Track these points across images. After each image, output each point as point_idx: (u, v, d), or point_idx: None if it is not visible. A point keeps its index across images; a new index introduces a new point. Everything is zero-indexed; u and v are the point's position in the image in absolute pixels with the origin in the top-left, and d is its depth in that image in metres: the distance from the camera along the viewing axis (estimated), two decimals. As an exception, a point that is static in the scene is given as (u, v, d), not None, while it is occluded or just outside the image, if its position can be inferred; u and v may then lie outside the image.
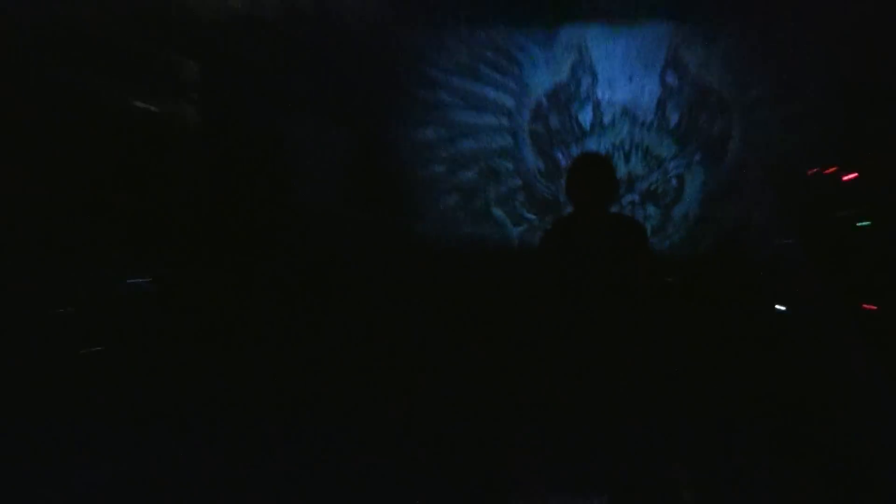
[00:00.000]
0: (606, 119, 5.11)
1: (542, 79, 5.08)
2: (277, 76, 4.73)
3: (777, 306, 5.08)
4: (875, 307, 4.82)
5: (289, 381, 4.69)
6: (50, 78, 4.73)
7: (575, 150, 5.08)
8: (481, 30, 4.98)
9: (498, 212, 5.14)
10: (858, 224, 5.04)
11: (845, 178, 4.94)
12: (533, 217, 5.13)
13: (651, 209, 5.19)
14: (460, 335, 4.90)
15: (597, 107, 5.09)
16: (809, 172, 4.93)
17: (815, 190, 4.97)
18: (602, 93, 5.07)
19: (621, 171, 5.13)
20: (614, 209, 4.94)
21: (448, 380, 4.81)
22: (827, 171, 4.91)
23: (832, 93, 4.79)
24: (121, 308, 4.93)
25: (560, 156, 5.09)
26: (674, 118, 5.12)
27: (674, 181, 5.18)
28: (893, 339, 4.46)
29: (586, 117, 5.09)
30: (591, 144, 5.11)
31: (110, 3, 4.74)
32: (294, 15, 4.74)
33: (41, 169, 4.79)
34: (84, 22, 4.82)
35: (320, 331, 4.76)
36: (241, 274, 4.76)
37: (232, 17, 4.91)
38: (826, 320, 4.82)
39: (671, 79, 5.04)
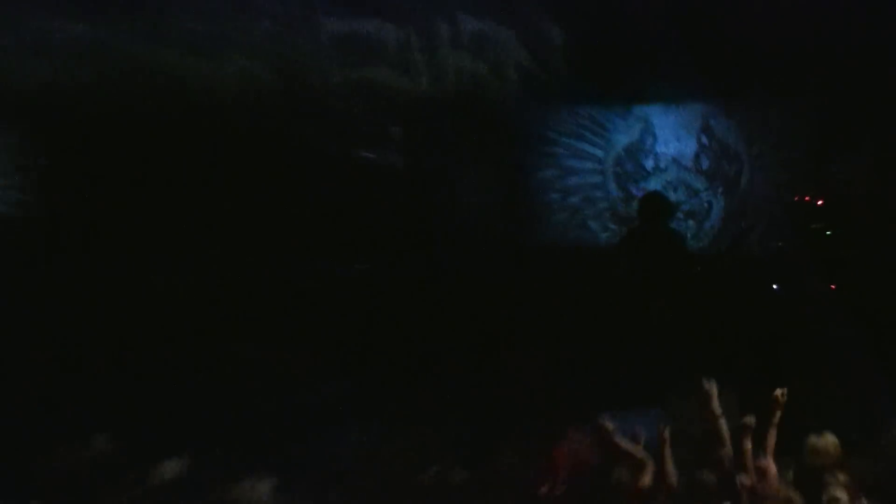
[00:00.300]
0: (661, 165, 7.95)
1: (621, 138, 7.93)
2: (462, 140, 7.56)
3: (773, 286, 7.91)
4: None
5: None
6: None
7: (642, 185, 7.92)
8: (583, 108, 7.84)
9: (593, 224, 7.95)
10: (827, 232, 7.91)
11: (818, 202, 7.83)
12: (615, 227, 7.94)
13: (690, 223, 8.00)
14: (571, 303, 7.62)
15: (655, 157, 7.94)
16: (795, 198, 7.81)
17: (798, 210, 7.83)
18: (659, 147, 7.92)
19: (671, 198, 7.94)
20: (667, 223, 7.77)
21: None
22: (806, 198, 7.80)
23: (808, 147, 7.68)
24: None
25: (632, 188, 7.92)
26: (704, 164, 7.96)
27: (705, 205, 8.00)
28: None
29: (649, 163, 7.93)
30: (652, 181, 7.94)
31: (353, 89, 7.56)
32: (469, 100, 7.57)
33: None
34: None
35: (489, 307, 7.39)
36: (442, 271, 7.48)
37: (423, 98, 7.72)
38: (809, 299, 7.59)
39: (704, 139, 7.90)
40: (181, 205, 7.58)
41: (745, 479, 4.90)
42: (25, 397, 6.16)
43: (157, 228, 7.52)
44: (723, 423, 5.16)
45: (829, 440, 5.30)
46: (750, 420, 5.03)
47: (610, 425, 5.14)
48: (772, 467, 4.94)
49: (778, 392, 5.09)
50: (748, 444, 5.00)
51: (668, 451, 5.05)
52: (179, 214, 7.56)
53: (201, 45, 7.68)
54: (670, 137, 7.91)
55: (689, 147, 7.93)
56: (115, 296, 7.42)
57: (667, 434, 5.05)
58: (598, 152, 7.89)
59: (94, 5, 7.50)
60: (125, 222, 7.60)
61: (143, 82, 7.69)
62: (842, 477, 5.03)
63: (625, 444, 5.13)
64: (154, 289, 7.49)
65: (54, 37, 7.54)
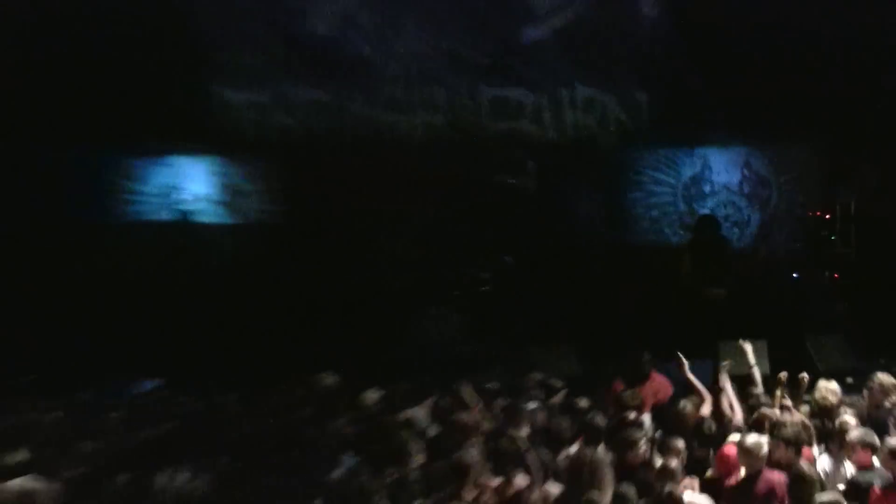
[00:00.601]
0: (716, 189, 11.28)
1: (687, 171, 11.27)
2: (577, 171, 10.88)
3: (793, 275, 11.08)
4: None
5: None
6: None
7: (702, 203, 11.23)
8: (660, 149, 11.19)
9: (667, 230, 11.25)
10: (831, 237, 11.13)
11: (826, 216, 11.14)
12: (682, 233, 11.23)
13: (735, 230, 11.32)
14: (654, 286, 10.80)
15: (711, 184, 11.26)
16: (808, 213, 11.12)
17: (810, 221, 11.12)
18: (714, 177, 11.24)
19: (720, 214, 11.24)
20: (719, 231, 11.00)
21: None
22: (817, 213, 11.13)
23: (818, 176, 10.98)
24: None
25: (695, 206, 11.24)
26: (746, 188, 11.30)
27: (745, 218, 11.33)
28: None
29: (706, 188, 11.27)
30: (709, 201, 11.26)
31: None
32: (582, 144, 10.95)
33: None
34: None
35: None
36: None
37: (550, 142, 11.09)
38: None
39: (745, 171, 11.25)
40: (387, 218, 10.86)
41: (772, 413, 5.97)
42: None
43: (372, 235, 10.76)
44: (756, 371, 6.64)
45: (833, 385, 6.44)
46: (782, 375, 6.44)
47: (685, 361, 6.62)
48: (790, 404, 6.18)
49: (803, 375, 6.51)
50: (778, 390, 6.32)
51: (726, 389, 6.34)
52: (386, 225, 10.84)
53: (398, 105, 11.06)
54: (722, 170, 11.21)
55: (735, 177, 11.22)
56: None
57: (723, 378, 6.42)
58: (671, 180, 11.20)
59: (325, 77, 10.88)
60: (346, 229, 10.88)
61: (358, 130, 11.08)
62: (847, 409, 6.14)
63: (693, 379, 6.51)
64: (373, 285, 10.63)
65: (298, 98, 10.94)
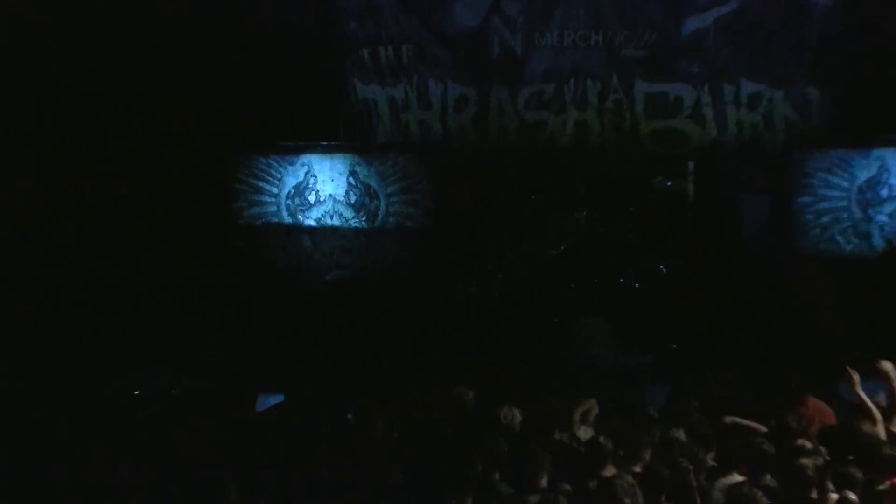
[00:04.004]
0: (894, 193, 10.25)
1: (862, 173, 10.11)
2: (739, 173, 10.05)
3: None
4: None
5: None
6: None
7: (878, 210, 10.21)
8: (833, 150, 10.22)
9: (839, 238, 10.28)
10: None
11: None
12: (856, 241, 10.25)
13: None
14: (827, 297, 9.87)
15: (890, 187, 10.18)
16: None
17: None
18: (892, 180, 10.19)
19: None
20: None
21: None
22: None
23: None
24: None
25: (870, 212, 10.24)
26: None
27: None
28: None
29: (884, 192, 10.21)
30: (886, 206, 10.22)
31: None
32: (745, 144, 10.09)
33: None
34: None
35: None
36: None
37: (711, 141, 10.28)
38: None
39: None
40: (532, 222, 10.27)
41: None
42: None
43: (517, 241, 10.18)
44: None
45: None
46: None
47: (856, 376, 5.87)
48: None
49: None
50: None
51: None
52: (532, 230, 10.25)
53: (546, 102, 10.46)
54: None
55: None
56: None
57: None
58: (844, 183, 10.22)
59: (469, 71, 10.35)
60: (488, 234, 10.31)
61: (504, 129, 10.52)
62: None
63: (864, 397, 5.83)
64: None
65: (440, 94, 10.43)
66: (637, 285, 9.96)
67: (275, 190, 10.94)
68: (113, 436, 6.09)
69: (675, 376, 8.39)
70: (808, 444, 5.42)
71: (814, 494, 4.86)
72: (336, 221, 10.72)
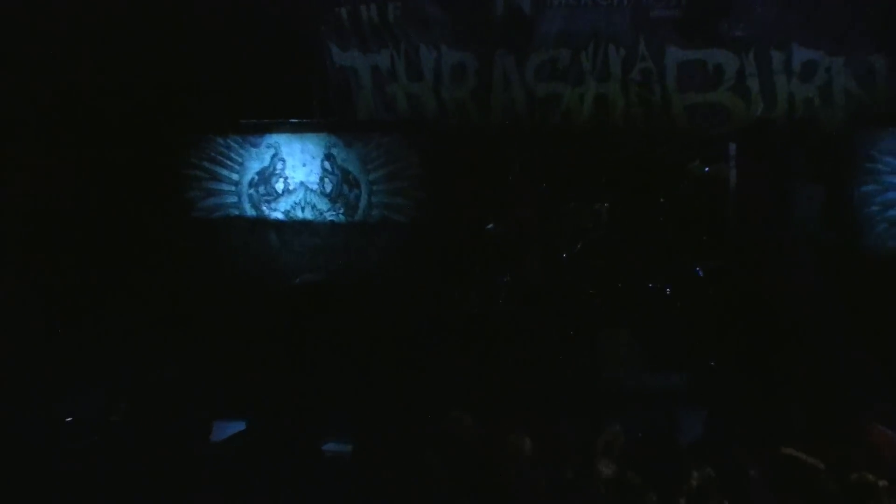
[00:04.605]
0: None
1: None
2: (790, 156, 8.49)
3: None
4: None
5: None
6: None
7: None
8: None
9: (911, 233, 8.70)
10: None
11: None
12: (930, 238, 8.68)
13: None
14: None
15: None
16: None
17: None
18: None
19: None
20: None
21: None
22: None
23: None
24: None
25: (946, 203, 8.66)
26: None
27: None
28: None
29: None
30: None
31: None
32: (798, 121, 8.50)
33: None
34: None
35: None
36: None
37: (757, 118, 8.70)
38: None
39: None
40: (544, 215, 8.82)
41: None
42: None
43: (525, 238, 8.75)
44: None
45: None
46: None
47: None
48: None
49: None
50: None
51: None
52: (543, 225, 8.82)
53: (560, 72, 8.98)
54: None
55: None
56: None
57: None
58: (915, 172, 8.66)
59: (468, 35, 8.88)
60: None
61: (510, 103, 9.04)
62: None
63: None
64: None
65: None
66: (668, 291, 8.69)
67: (235, 177, 9.50)
68: (35, 472, 5.22)
69: (715, 400, 7.34)
70: (879, 481, 5.01)
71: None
72: (308, 214, 9.37)
